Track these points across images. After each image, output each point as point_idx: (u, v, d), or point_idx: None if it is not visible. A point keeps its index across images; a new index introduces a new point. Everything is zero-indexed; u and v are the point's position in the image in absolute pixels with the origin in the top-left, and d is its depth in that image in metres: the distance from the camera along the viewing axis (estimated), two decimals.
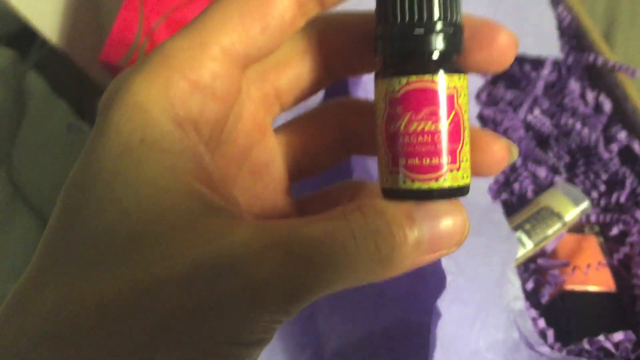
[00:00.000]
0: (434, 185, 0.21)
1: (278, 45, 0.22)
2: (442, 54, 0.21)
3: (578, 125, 0.52)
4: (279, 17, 0.21)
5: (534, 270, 0.48)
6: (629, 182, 0.50)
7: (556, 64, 0.57)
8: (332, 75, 0.25)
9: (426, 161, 0.20)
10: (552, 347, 0.43)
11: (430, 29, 0.21)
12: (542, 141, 0.54)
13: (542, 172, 0.51)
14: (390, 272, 0.20)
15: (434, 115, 0.20)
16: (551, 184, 0.51)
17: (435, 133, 0.20)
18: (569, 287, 0.47)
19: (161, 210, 0.18)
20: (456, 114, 0.21)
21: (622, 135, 0.51)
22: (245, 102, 0.24)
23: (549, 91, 0.56)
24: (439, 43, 0.21)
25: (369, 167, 0.42)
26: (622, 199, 0.50)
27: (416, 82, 0.20)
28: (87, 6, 0.56)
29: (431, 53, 0.21)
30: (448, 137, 0.20)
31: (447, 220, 0.20)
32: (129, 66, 0.21)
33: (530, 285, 0.47)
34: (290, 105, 0.25)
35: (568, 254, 0.49)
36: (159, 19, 0.47)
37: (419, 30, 0.21)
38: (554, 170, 0.52)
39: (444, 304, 0.36)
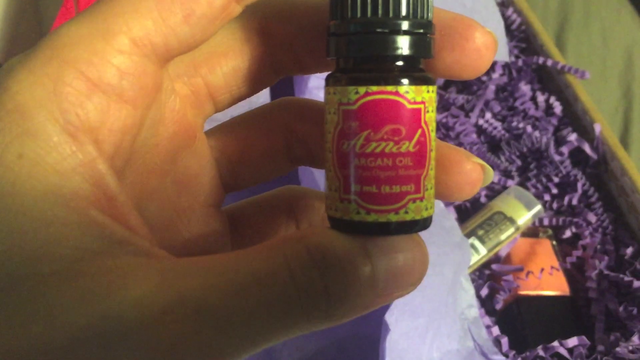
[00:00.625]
0: (392, 217, 0.17)
1: (207, 37, 0.18)
2: (409, 59, 0.17)
3: (529, 128, 0.52)
4: (205, 2, 0.17)
5: (488, 276, 0.48)
6: (580, 184, 0.49)
7: (506, 67, 0.56)
8: (277, 71, 0.21)
9: (385, 189, 0.17)
10: (506, 356, 0.43)
11: (396, 28, 0.17)
12: (494, 145, 0.53)
13: (494, 177, 0.51)
14: (337, 320, 0.16)
15: (396, 135, 0.17)
16: (504, 189, 0.51)
17: (397, 156, 0.17)
18: (524, 292, 0.47)
19: (43, 249, 0.15)
20: (422, 133, 0.17)
21: (573, 137, 0.51)
22: (168, 101, 0.20)
23: (500, 95, 0.55)
24: (405, 46, 0.17)
25: (319, 179, 0.41)
26: (574, 202, 0.49)
27: (377, 92, 0.17)
28: (27, 20, 0.54)
29: (396, 58, 0.17)
30: (412, 162, 0.17)
31: (406, 256, 0.17)
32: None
33: (484, 291, 0.47)
34: (226, 105, 0.22)
35: (522, 258, 0.49)
36: None
37: (382, 29, 0.17)
38: (507, 174, 0.52)
39: (392, 318, 0.35)
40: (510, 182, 0.51)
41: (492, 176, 0.20)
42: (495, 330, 0.43)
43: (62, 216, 0.15)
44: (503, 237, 0.48)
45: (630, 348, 0.41)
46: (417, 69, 0.18)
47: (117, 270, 0.15)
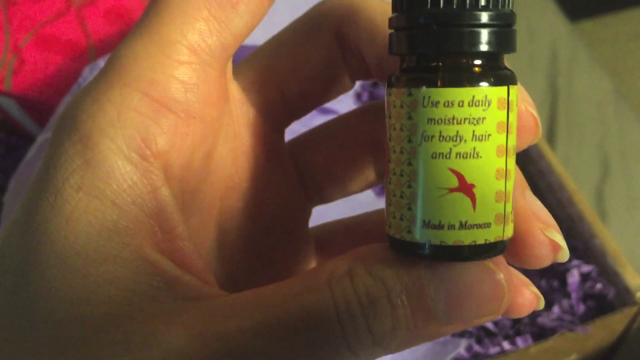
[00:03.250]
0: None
1: (257, 21, 0.17)
2: (496, 57, 0.15)
3: None
4: None
5: None
6: None
7: None
8: (352, 76, 0.20)
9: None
10: None
11: (489, 20, 0.15)
12: None
13: None
14: (391, 351, 0.15)
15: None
16: None
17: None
18: None
19: (93, 290, 0.14)
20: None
21: None
22: (241, 112, 0.18)
23: None
24: (495, 41, 0.15)
25: None
26: None
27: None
28: None
29: (483, 56, 0.15)
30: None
31: (466, 280, 0.15)
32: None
33: None
34: (304, 113, 0.20)
35: None
36: (26, 36, 0.46)
37: (472, 21, 0.15)
38: None
39: None
40: None
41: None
42: None
43: (114, 254, 0.14)
44: None
45: (551, 317, 0.44)
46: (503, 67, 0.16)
47: (162, 315, 0.14)
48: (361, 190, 0.22)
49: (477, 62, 0.15)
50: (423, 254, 0.15)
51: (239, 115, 0.18)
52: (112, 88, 0.15)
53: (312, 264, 0.22)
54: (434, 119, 0.15)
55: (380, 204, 0.49)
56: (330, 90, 0.20)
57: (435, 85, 0.15)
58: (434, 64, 0.15)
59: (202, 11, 0.15)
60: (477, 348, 0.42)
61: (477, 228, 0.15)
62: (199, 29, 0.15)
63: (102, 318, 0.14)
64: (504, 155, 0.15)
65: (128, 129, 0.15)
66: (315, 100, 0.20)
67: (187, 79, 0.15)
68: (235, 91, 0.18)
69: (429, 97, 0.15)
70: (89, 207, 0.14)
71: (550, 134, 0.65)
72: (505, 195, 0.15)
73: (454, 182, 0.15)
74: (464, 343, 0.42)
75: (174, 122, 0.15)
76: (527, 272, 0.48)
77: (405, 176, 0.15)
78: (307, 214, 0.21)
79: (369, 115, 0.21)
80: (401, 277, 0.15)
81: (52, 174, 0.15)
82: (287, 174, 0.20)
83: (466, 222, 0.15)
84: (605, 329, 0.43)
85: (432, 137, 0.15)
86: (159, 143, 0.15)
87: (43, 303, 0.14)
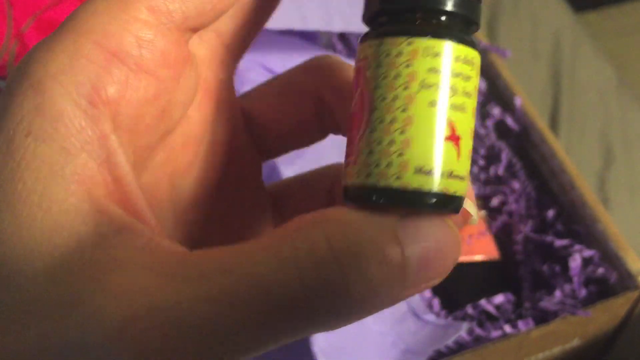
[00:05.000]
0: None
1: (225, 6, 0.17)
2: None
3: None
4: None
5: None
6: (505, 154, 0.52)
7: None
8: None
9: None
10: (437, 315, 0.45)
11: None
12: None
13: None
14: (352, 321, 0.15)
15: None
16: None
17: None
18: None
19: (38, 239, 0.14)
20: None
21: (497, 111, 0.54)
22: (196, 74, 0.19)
23: None
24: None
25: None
26: (500, 171, 0.52)
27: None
28: None
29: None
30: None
31: (439, 241, 0.15)
32: None
33: None
34: (242, 51, 0.21)
35: None
36: (28, 21, 0.46)
37: None
38: None
39: None
40: None
41: (477, 220, 0.18)
42: (427, 293, 0.46)
43: (61, 199, 0.14)
44: None
45: (553, 301, 0.44)
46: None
47: (105, 265, 0.14)
48: (308, 144, 0.22)
49: (474, 30, 0.16)
50: (407, 201, 0.15)
51: (198, 79, 0.19)
52: (66, 38, 0.15)
53: (269, 221, 0.22)
54: (435, 69, 0.15)
55: None
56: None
57: (441, 37, 0.15)
58: (437, 21, 0.16)
59: None
60: (478, 331, 0.43)
61: (459, 180, 0.15)
62: None
63: (43, 274, 0.14)
64: (474, 117, 0.16)
65: (78, 75, 0.15)
66: (252, 38, 0.21)
67: (142, 36, 0.16)
68: (200, 61, 0.19)
69: (433, 48, 0.15)
70: (36, 152, 0.14)
71: (553, 123, 0.65)
72: (470, 154, 0.16)
73: (448, 131, 0.15)
74: (465, 327, 0.42)
75: (125, 74, 0.16)
76: (530, 257, 0.49)
77: (398, 123, 0.15)
78: (259, 169, 0.22)
79: (314, 70, 0.21)
80: (375, 240, 0.14)
81: (3, 122, 0.15)
82: (238, 128, 0.21)
83: (452, 172, 0.15)
84: (607, 313, 0.44)
85: (432, 86, 0.15)
86: (109, 91, 0.15)
87: None
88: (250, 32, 0.20)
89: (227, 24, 0.19)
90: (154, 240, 0.15)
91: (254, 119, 0.21)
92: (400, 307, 0.44)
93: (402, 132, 0.15)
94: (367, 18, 0.17)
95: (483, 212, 0.52)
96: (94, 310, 0.13)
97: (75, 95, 0.15)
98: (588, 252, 0.45)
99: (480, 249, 0.50)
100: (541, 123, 0.52)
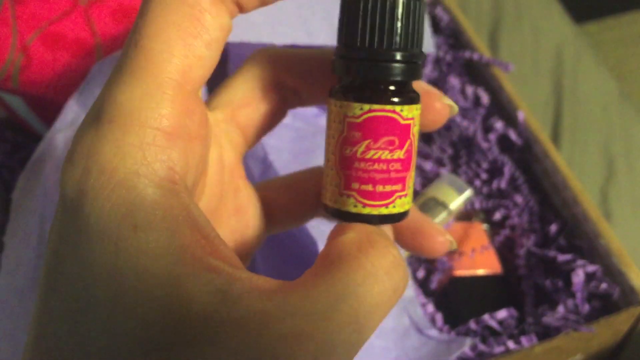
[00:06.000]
0: (384, 211, 0.21)
1: (219, 55, 0.20)
2: (405, 84, 0.21)
3: (458, 118, 0.54)
4: (218, 26, 0.19)
5: (424, 259, 0.50)
6: (507, 168, 0.52)
7: (437, 62, 0.59)
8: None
9: (379, 188, 0.21)
10: (440, 330, 0.45)
11: (395, 58, 0.20)
12: (426, 136, 0.56)
13: (428, 166, 0.53)
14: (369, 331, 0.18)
15: (391, 145, 0.20)
16: (437, 176, 0.53)
17: (390, 162, 0.21)
18: (458, 272, 0.49)
19: (172, 314, 0.16)
20: (410, 143, 0.21)
21: (499, 125, 0.54)
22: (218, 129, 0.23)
23: None
24: (402, 72, 0.20)
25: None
26: (503, 185, 0.52)
27: (378, 110, 0.20)
28: None
29: (395, 82, 0.21)
30: (401, 166, 0.21)
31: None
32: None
33: (421, 273, 0.49)
34: (251, 145, 0.25)
35: (456, 241, 0.51)
36: (33, 34, 0.46)
37: (386, 59, 0.20)
38: (439, 162, 0.54)
39: None
40: (442, 170, 0.53)
41: (457, 109, 0.24)
42: (430, 308, 0.46)
43: (180, 272, 0.17)
44: (437, 220, 0.50)
45: (556, 317, 0.44)
46: (410, 90, 0.21)
47: (231, 324, 0.16)
48: (275, 125, 0.26)
49: (391, 87, 0.20)
50: (357, 221, 0.21)
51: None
52: (129, 132, 0.17)
53: (260, 217, 0.25)
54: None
55: None
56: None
57: (359, 101, 0.20)
58: (360, 85, 0.21)
59: (183, 50, 0.18)
60: (481, 347, 0.42)
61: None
62: (183, 66, 0.18)
63: (186, 343, 0.16)
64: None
65: (153, 164, 0.17)
66: (259, 136, 0.25)
67: (184, 109, 0.18)
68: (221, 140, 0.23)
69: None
70: (149, 240, 0.17)
71: (555, 135, 0.65)
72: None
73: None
74: (468, 342, 0.42)
75: (183, 147, 0.18)
76: (532, 272, 0.48)
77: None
78: (241, 164, 0.25)
79: (272, 62, 0.24)
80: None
81: (101, 227, 0.17)
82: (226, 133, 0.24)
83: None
84: (610, 329, 0.43)
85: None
86: (179, 166, 0.18)
87: (138, 340, 0.16)
88: (259, 133, 0.25)
89: (245, 123, 0.24)
90: (253, 280, 0.17)
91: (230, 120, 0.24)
92: (404, 322, 0.44)
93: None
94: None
95: (486, 226, 0.52)
96: None
97: (158, 181, 0.17)
98: (591, 268, 0.45)
99: (482, 263, 0.50)
100: (544, 137, 0.52)
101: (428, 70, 0.58)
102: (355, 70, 0.20)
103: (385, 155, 0.20)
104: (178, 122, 0.18)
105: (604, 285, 0.45)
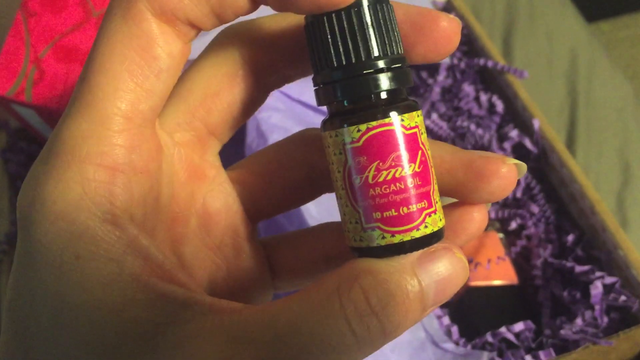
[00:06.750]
0: (416, 234, 0.18)
1: (174, 82, 0.20)
2: (396, 92, 0.19)
3: (473, 127, 0.54)
4: (168, 54, 0.19)
5: None
6: (523, 177, 0.52)
7: (451, 70, 0.59)
8: (267, 90, 0.23)
9: (403, 210, 0.18)
10: (457, 343, 0.44)
11: (377, 67, 0.19)
12: None
13: None
14: (388, 341, 0.18)
15: (402, 160, 0.18)
16: None
17: (407, 178, 0.18)
18: (474, 283, 0.48)
19: (122, 334, 0.17)
20: (422, 154, 0.19)
21: (514, 133, 0.53)
22: (174, 154, 0.21)
23: (445, 96, 0.57)
24: (390, 81, 0.19)
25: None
26: (518, 194, 0.51)
27: (377, 127, 0.18)
28: None
29: (387, 93, 0.19)
30: (420, 180, 0.19)
31: (447, 266, 0.18)
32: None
33: None
34: (229, 135, 0.23)
35: (471, 251, 0.51)
36: (46, 47, 0.46)
37: (367, 71, 0.19)
38: None
39: None
40: None
41: (525, 169, 0.21)
42: (446, 320, 0.45)
43: (131, 297, 0.17)
44: None
45: (574, 330, 0.43)
46: (405, 98, 0.19)
47: (187, 341, 0.17)
48: (298, 206, 0.25)
49: (383, 99, 0.19)
50: (391, 254, 0.19)
51: (172, 157, 0.21)
52: (69, 168, 0.18)
53: (264, 268, 0.24)
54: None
55: None
56: (251, 111, 0.23)
57: (355, 124, 0.18)
58: (350, 107, 0.19)
59: (129, 84, 0.18)
60: None
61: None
62: (129, 99, 0.18)
63: (134, 352, 0.17)
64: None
65: (95, 197, 0.18)
66: (238, 124, 0.23)
67: (128, 144, 0.18)
68: (165, 138, 0.21)
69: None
70: (92, 269, 0.17)
71: (570, 140, 0.64)
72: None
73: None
74: (485, 356, 0.42)
75: (127, 181, 0.18)
76: (549, 283, 0.48)
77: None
78: (251, 229, 0.24)
79: (303, 142, 0.23)
80: (399, 280, 0.18)
81: (43, 253, 0.17)
82: (226, 195, 0.23)
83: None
84: (629, 342, 0.43)
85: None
86: (121, 200, 0.18)
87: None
88: (236, 123, 0.23)
89: (215, 118, 0.22)
90: (212, 301, 0.18)
91: (246, 188, 0.23)
92: (419, 335, 0.44)
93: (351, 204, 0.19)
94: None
95: (501, 236, 0.51)
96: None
97: (100, 214, 0.18)
98: (610, 279, 0.45)
99: (499, 274, 0.49)
100: (560, 146, 0.51)
101: (442, 77, 0.57)
102: (340, 92, 0.19)
103: (399, 172, 0.18)
104: (121, 158, 0.18)
105: (623, 298, 0.44)
